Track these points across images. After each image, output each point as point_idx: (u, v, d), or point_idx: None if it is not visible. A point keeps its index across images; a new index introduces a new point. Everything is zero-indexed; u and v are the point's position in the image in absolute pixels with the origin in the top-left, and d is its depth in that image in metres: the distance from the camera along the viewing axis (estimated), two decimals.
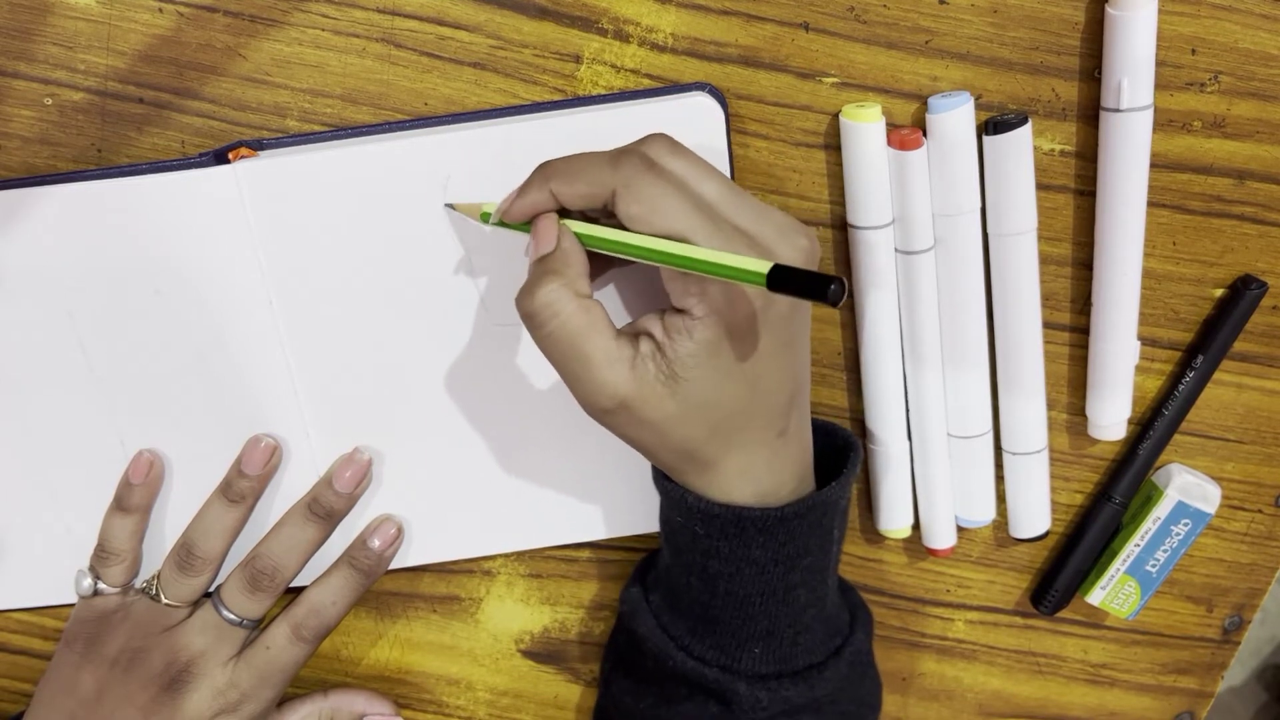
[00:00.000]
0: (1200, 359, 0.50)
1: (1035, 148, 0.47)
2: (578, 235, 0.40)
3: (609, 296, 0.47)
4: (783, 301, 0.40)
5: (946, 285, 0.48)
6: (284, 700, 0.53)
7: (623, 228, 0.39)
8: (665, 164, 0.39)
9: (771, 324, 0.40)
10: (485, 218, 0.44)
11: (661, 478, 0.44)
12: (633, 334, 0.40)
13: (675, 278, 0.39)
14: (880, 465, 0.52)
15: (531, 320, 0.40)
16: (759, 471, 0.42)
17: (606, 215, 0.41)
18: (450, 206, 0.46)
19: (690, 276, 0.39)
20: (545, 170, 0.41)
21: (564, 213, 0.41)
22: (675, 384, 0.39)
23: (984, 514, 0.52)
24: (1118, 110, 0.44)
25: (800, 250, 0.39)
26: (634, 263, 0.44)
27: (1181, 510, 0.51)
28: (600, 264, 0.42)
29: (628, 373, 0.39)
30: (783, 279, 0.34)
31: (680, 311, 0.39)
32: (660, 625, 0.46)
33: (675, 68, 0.46)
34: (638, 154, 0.39)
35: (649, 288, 0.47)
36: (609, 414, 0.40)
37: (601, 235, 0.40)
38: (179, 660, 0.49)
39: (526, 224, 0.42)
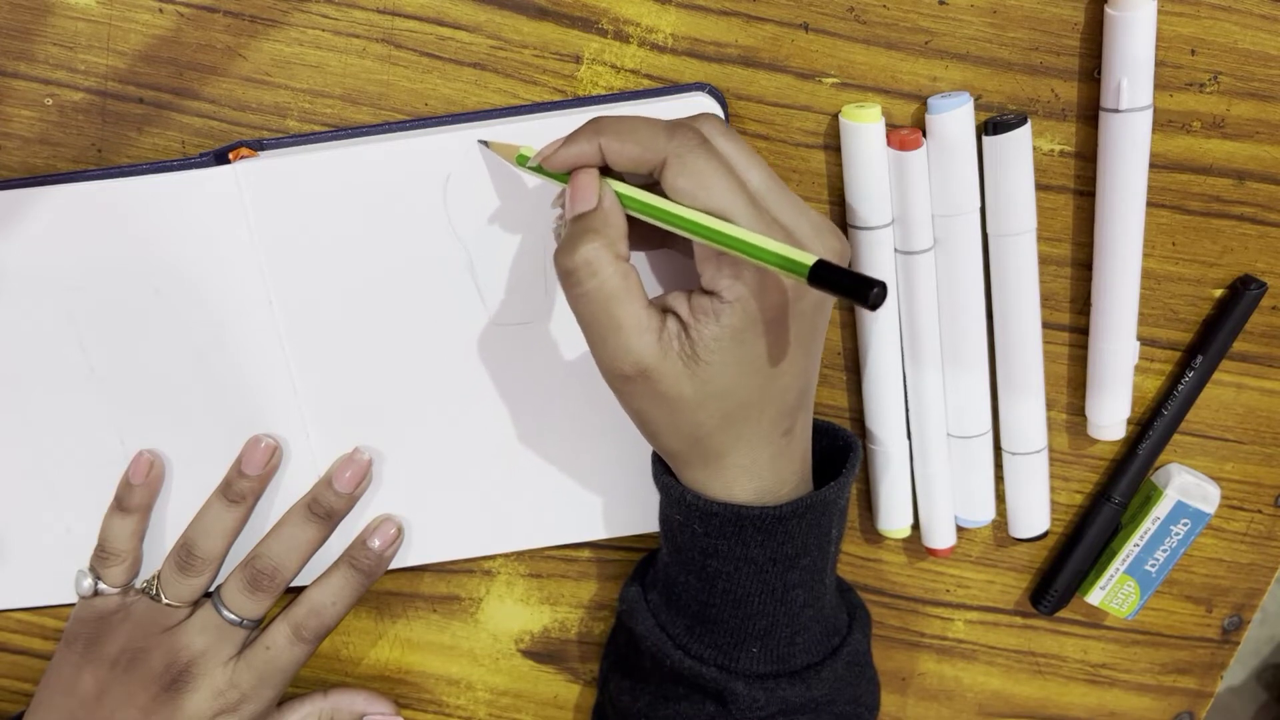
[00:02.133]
0: (1200, 359, 0.50)
1: (1035, 148, 0.47)
2: (619, 196, 0.40)
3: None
4: (810, 298, 0.40)
5: (946, 285, 0.48)
6: (284, 700, 0.53)
7: (661, 196, 0.39)
8: (717, 143, 0.39)
9: (796, 320, 0.40)
10: (521, 160, 0.43)
11: (662, 473, 0.44)
12: (660, 309, 0.40)
13: (709, 259, 0.39)
14: (880, 465, 0.52)
15: (569, 277, 0.39)
16: (762, 469, 0.42)
17: (646, 183, 0.40)
18: (484, 144, 0.45)
19: (724, 260, 0.38)
20: (598, 125, 0.40)
21: (603, 171, 0.40)
22: (696, 366, 0.39)
23: (984, 514, 0.52)
24: (1117, 110, 0.44)
25: (832, 251, 0.40)
26: (665, 246, 0.44)
27: (1181, 510, 0.51)
28: (632, 240, 0.41)
29: (654, 343, 0.39)
30: (825, 275, 0.34)
31: (709, 294, 0.39)
32: (658, 624, 0.46)
33: (675, 68, 0.46)
34: (692, 128, 0.39)
35: (672, 269, 0.47)
36: (628, 381, 0.40)
37: (643, 200, 0.39)
38: (179, 660, 0.49)
39: (564, 175, 0.41)
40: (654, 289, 0.47)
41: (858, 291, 0.33)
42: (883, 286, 0.32)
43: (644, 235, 0.41)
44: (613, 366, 0.40)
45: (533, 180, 0.45)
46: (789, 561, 0.43)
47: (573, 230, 0.40)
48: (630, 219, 0.40)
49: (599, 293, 0.39)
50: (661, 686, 0.47)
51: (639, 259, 0.47)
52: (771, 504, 0.42)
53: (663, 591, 0.46)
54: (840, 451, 0.47)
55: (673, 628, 0.46)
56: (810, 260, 0.34)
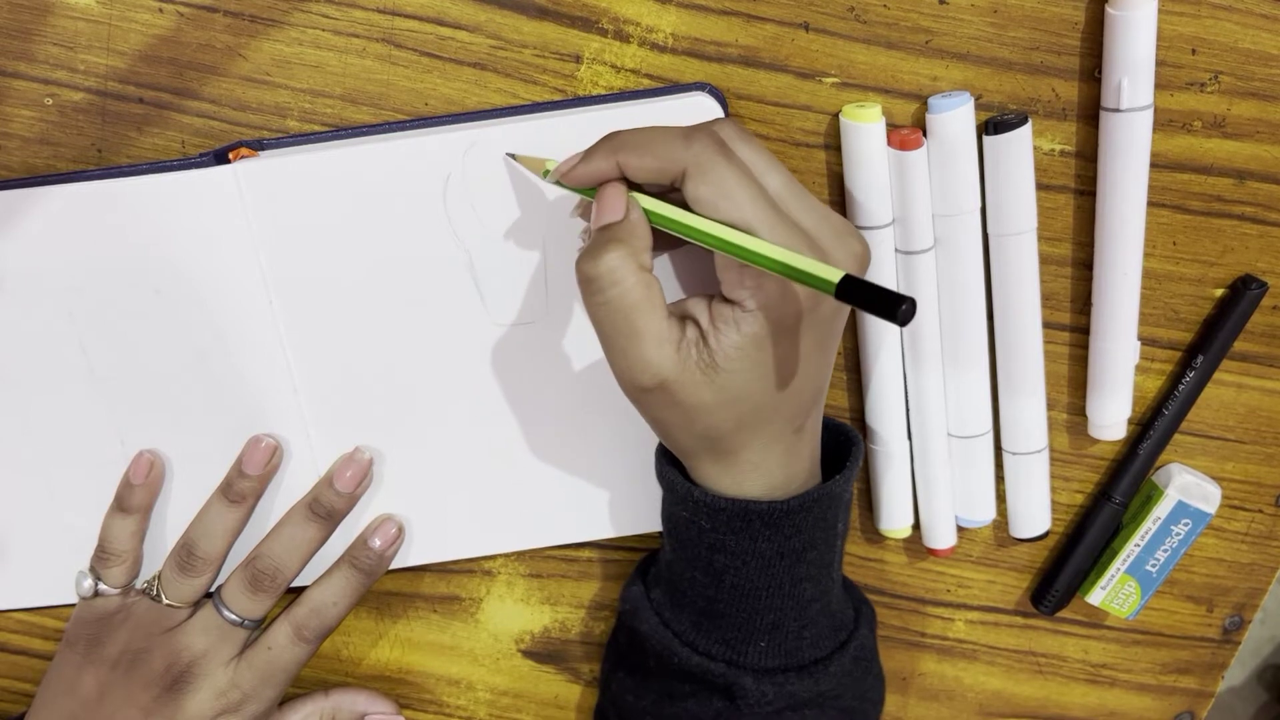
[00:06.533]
0: (1200, 359, 0.50)
1: (1035, 148, 0.47)
2: (645, 212, 0.40)
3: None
4: (829, 304, 0.40)
5: (946, 285, 0.48)
6: (285, 700, 0.53)
7: (682, 205, 0.39)
8: (735, 149, 0.39)
9: (814, 325, 0.40)
10: (547, 173, 0.43)
11: (667, 469, 0.44)
12: (679, 316, 0.40)
13: (730, 267, 0.39)
14: (880, 465, 0.52)
15: (591, 285, 0.39)
16: (772, 466, 0.42)
17: (667, 191, 0.40)
18: (511, 156, 0.45)
19: (747, 269, 0.38)
20: (614, 141, 0.40)
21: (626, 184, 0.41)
22: (714, 374, 0.39)
23: (984, 514, 0.52)
24: (1118, 110, 0.44)
25: (854, 255, 0.40)
26: (685, 245, 0.44)
27: (1181, 510, 0.51)
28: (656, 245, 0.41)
29: (673, 354, 0.39)
30: (852, 291, 0.33)
31: (730, 302, 0.39)
32: (663, 621, 0.46)
33: (675, 68, 0.46)
34: (710, 134, 0.39)
35: (694, 270, 0.47)
36: (646, 392, 0.40)
37: (669, 215, 0.39)
38: (180, 661, 0.49)
39: (588, 189, 0.41)
40: (672, 287, 0.47)
41: (886, 308, 0.32)
42: (911, 303, 0.32)
43: (665, 237, 0.41)
44: (631, 377, 0.40)
45: (545, 187, 0.45)
46: (797, 555, 0.43)
47: (597, 239, 0.40)
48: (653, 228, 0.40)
49: (621, 301, 0.39)
50: (667, 684, 0.47)
51: (661, 259, 0.46)
52: (779, 499, 0.42)
53: (667, 589, 0.46)
54: (842, 446, 0.47)
55: (678, 625, 0.46)
56: (836, 277, 0.34)
